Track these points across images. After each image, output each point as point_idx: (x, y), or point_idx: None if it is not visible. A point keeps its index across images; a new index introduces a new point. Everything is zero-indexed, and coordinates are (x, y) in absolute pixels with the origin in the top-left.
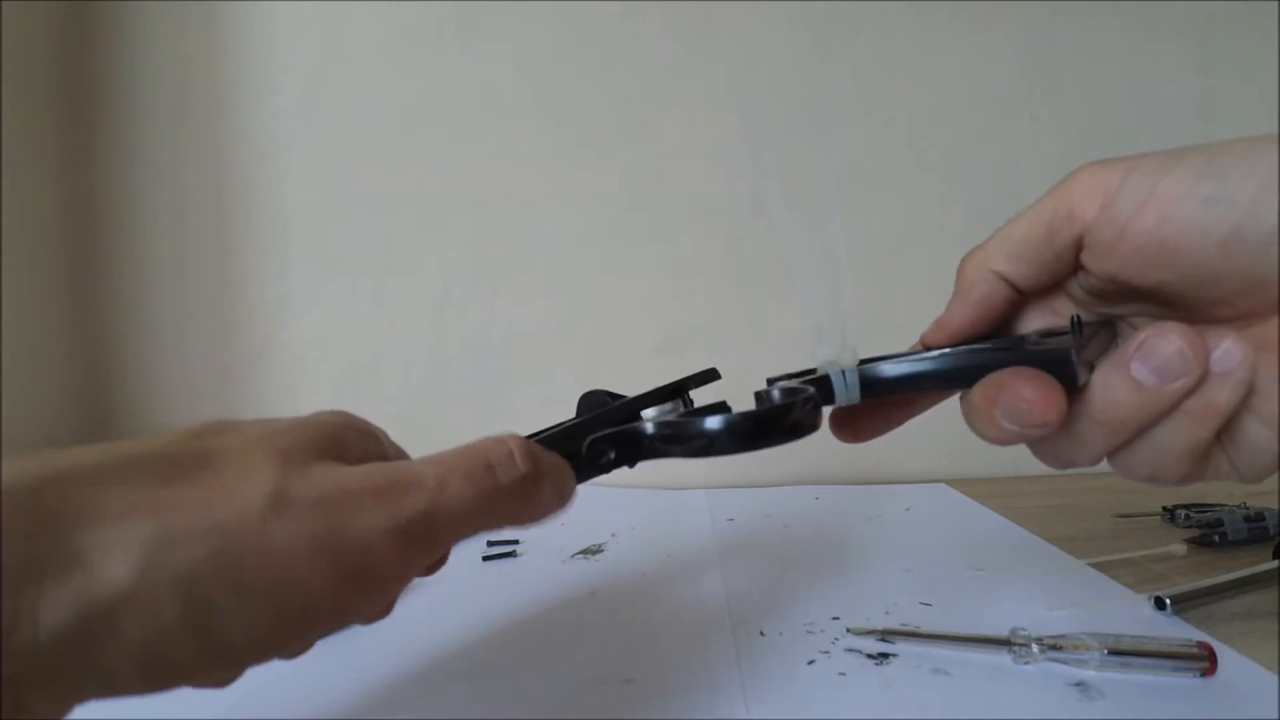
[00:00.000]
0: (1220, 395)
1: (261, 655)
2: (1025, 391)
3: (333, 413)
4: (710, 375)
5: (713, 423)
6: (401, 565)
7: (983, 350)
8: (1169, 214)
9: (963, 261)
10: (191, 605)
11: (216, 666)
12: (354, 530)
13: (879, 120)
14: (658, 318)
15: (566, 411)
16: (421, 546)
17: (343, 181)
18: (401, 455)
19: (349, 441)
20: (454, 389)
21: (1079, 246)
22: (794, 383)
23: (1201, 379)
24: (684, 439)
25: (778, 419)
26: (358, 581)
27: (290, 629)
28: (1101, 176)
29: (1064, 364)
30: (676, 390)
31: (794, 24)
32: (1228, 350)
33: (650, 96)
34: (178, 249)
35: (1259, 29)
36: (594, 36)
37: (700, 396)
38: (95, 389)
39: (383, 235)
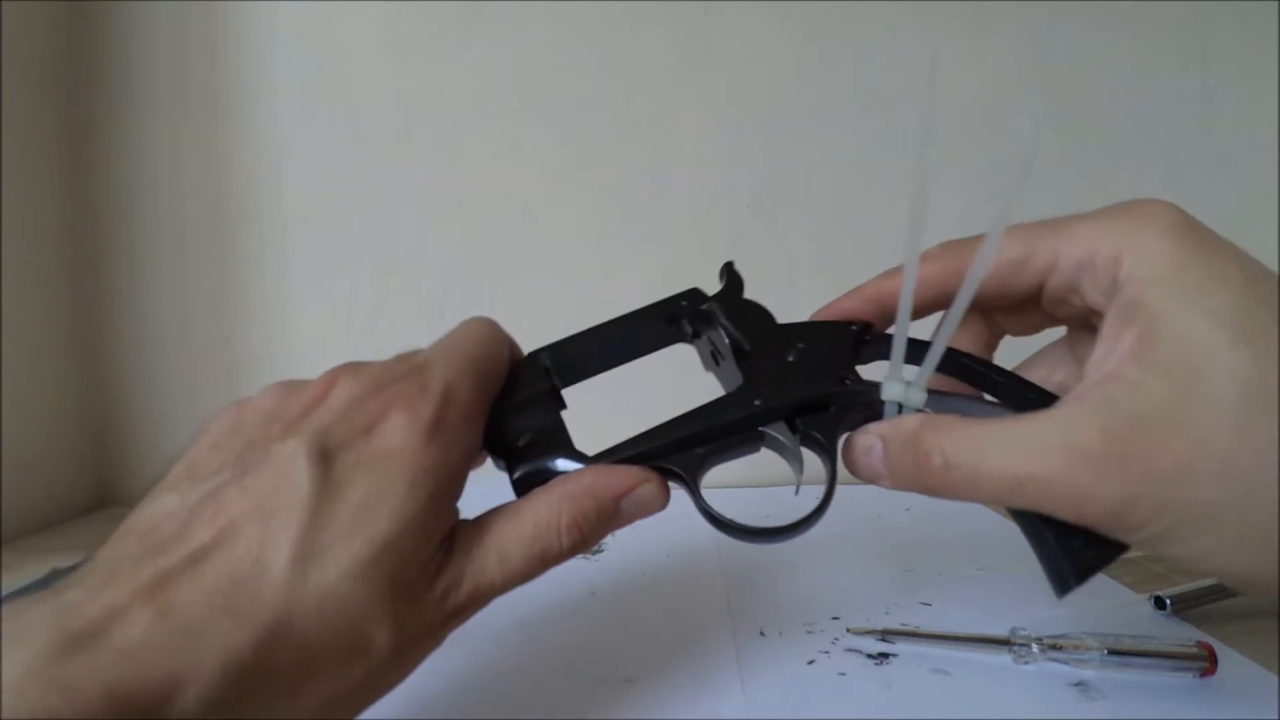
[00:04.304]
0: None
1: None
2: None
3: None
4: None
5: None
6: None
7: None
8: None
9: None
10: None
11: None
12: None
13: (879, 120)
14: None
15: (570, 411)
16: (465, 618)
17: (342, 181)
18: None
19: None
20: None
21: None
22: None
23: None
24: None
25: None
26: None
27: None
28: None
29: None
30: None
31: (794, 24)
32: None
33: (650, 95)
34: (178, 249)
35: (1259, 29)
36: (594, 36)
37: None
38: (95, 389)
39: (382, 235)
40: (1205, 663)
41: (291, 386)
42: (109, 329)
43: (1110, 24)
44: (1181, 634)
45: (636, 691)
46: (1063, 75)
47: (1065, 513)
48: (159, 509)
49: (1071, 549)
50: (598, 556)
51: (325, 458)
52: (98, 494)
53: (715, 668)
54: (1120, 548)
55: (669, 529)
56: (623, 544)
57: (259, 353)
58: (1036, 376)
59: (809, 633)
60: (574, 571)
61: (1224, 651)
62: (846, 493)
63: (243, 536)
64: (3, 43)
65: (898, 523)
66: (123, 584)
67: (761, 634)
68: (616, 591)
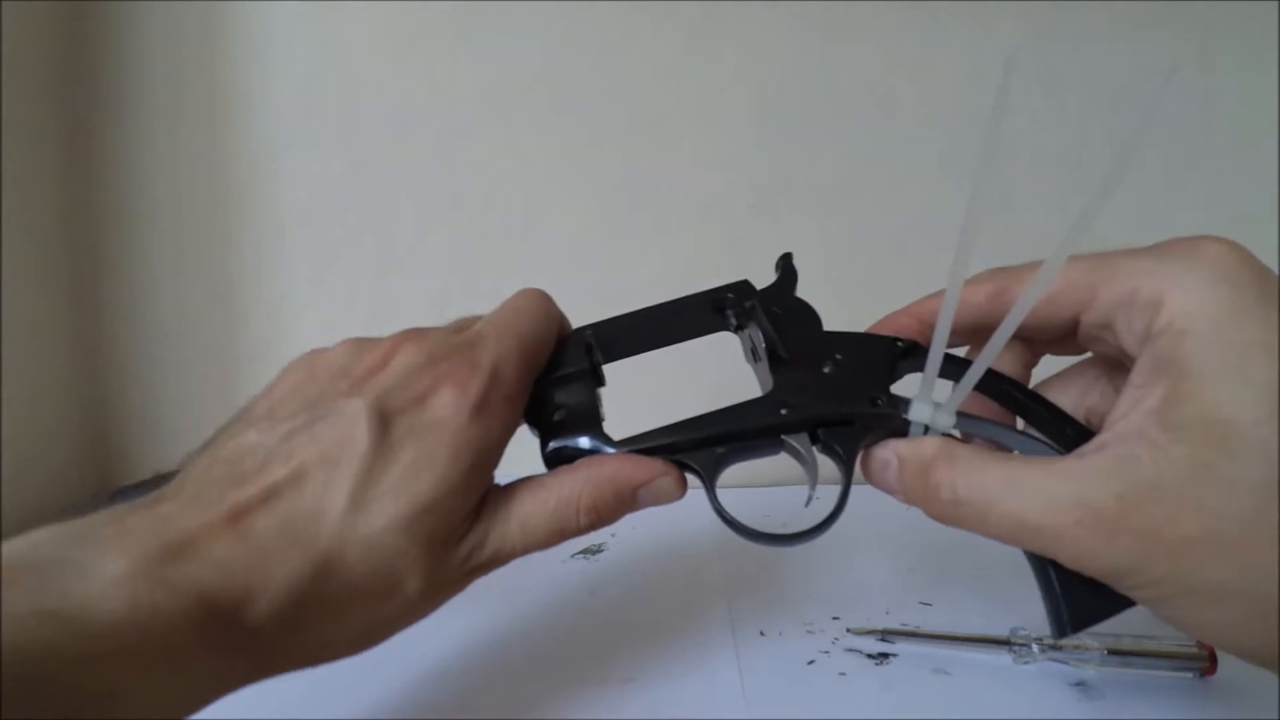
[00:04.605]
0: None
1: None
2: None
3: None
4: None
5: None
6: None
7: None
8: None
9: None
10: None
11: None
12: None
13: (879, 120)
14: None
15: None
16: (486, 572)
17: (341, 181)
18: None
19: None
20: None
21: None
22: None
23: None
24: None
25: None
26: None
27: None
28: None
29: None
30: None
31: (794, 23)
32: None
33: (650, 95)
34: (176, 249)
35: (1259, 29)
36: (594, 35)
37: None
38: (95, 389)
39: (382, 234)
40: (1205, 663)
41: (361, 344)
42: (109, 329)
43: (1110, 24)
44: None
45: (636, 691)
46: (1062, 75)
47: (1069, 564)
48: (243, 442)
49: (1074, 595)
50: (598, 556)
51: (384, 420)
52: (98, 493)
53: (715, 668)
54: (1126, 602)
55: (669, 529)
56: (623, 544)
57: (258, 352)
58: (1069, 396)
59: (809, 633)
60: (574, 571)
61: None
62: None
63: (310, 480)
64: (3, 43)
65: (898, 523)
66: (210, 506)
67: (761, 634)
68: (616, 591)
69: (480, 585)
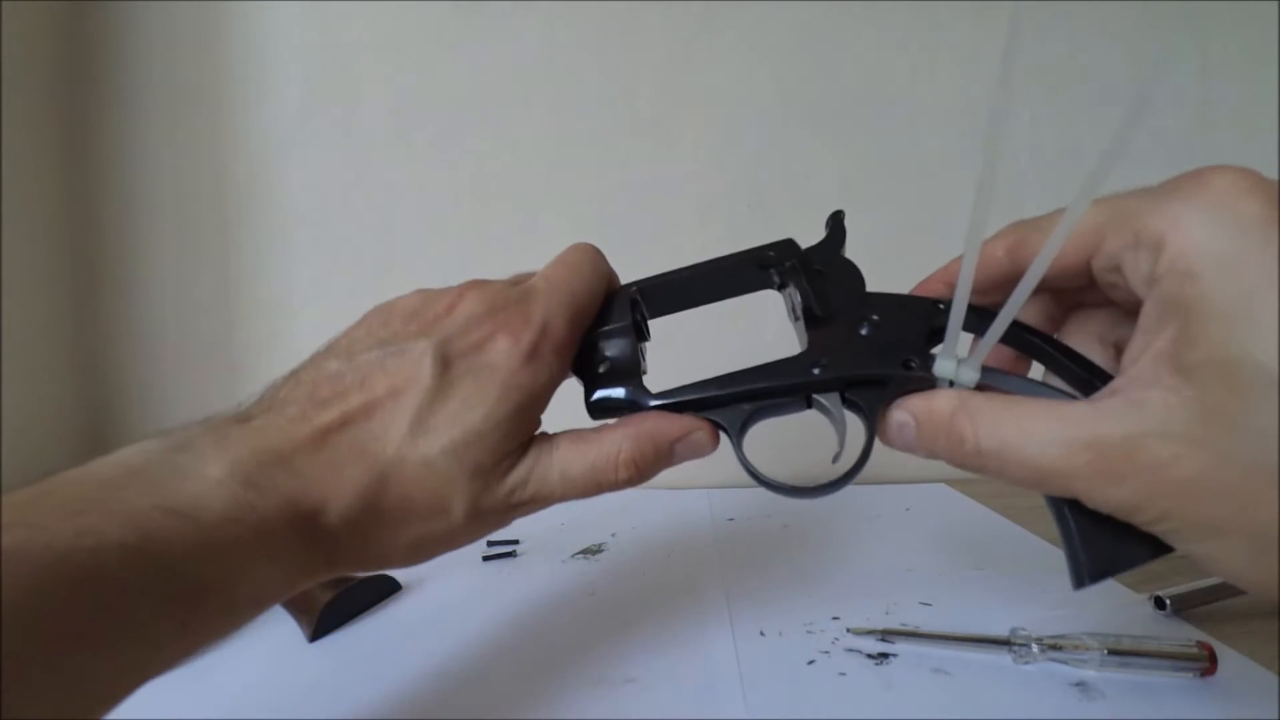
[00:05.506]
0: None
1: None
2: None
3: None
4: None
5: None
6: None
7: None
8: None
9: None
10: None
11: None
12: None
13: (879, 120)
14: None
15: (561, 406)
16: (527, 513)
17: (342, 179)
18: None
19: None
20: None
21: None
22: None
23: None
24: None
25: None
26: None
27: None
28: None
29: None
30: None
31: (794, 23)
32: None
33: (650, 95)
34: (178, 248)
35: (1259, 29)
36: (595, 35)
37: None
38: (98, 386)
39: (383, 234)
40: (1205, 663)
41: (430, 293)
42: (109, 329)
43: (1110, 24)
44: (1181, 634)
45: (637, 692)
46: (1062, 75)
47: (1087, 502)
48: (325, 370)
49: (1093, 546)
50: (598, 556)
51: (445, 360)
52: None
53: (715, 668)
54: (1143, 556)
55: (669, 529)
56: (623, 544)
57: (258, 352)
58: (1090, 332)
59: (809, 633)
60: (574, 571)
61: (1224, 651)
62: (847, 493)
63: (379, 407)
64: (3, 43)
65: (898, 523)
66: (295, 423)
67: (761, 634)
68: (616, 591)
69: (480, 584)
